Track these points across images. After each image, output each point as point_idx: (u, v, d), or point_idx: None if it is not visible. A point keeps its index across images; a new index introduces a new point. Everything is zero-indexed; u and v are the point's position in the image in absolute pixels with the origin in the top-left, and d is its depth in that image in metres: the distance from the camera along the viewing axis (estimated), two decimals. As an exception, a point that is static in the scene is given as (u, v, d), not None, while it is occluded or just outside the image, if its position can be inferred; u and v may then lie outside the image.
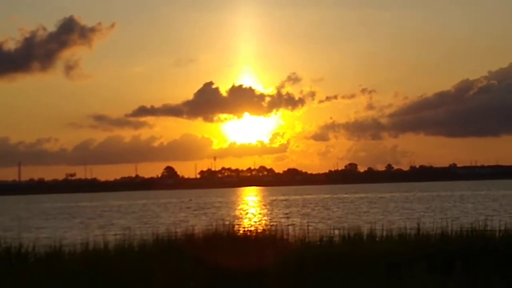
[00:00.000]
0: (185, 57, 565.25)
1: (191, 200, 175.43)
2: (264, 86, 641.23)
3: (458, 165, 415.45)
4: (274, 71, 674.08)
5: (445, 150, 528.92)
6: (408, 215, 74.77)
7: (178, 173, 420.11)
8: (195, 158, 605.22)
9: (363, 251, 24.32)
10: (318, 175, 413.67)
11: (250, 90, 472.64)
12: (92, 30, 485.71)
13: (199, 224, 39.55)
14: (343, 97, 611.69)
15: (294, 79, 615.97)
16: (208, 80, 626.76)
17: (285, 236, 29.54)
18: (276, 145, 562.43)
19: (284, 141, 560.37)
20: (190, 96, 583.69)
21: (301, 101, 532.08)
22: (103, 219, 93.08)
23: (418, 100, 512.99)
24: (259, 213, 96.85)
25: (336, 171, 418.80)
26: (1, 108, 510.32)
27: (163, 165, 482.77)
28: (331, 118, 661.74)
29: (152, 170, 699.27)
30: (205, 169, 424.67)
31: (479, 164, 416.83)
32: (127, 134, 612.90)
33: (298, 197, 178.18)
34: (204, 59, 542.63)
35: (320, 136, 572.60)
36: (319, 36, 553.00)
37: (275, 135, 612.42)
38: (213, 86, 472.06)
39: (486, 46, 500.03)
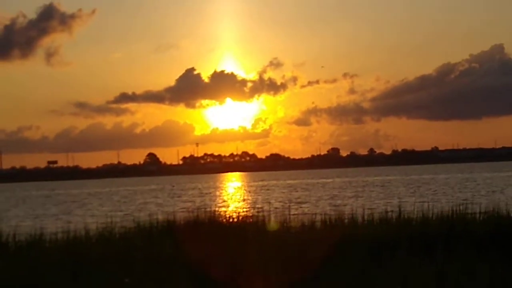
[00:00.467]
0: (166, 43, 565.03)
1: (173, 186, 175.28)
2: (246, 71, 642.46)
3: (440, 148, 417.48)
4: (256, 56, 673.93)
5: (427, 133, 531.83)
6: (390, 199, 75.02)
7: (161, 159, 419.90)
8: (178, 144, 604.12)
9: (345, 235, 24.38)
10: (300, 160, 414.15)
11: (232, 75, 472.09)
12: (72, 16, 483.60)
13: (180, 210, 39.53)
14: (325, 82, 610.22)
15: (276, 64, 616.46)
16: (189, 66, 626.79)
17: (266, 221, 29.58)
18: (258, 130, 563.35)
19: (266, 126, 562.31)
20: (171, 82, 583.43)
21: (283, 86, 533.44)
22: (85, 206, 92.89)
23: (399, 84, 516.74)
24: (241, 199, 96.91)
25: (319, 156, 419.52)
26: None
27: (146, 151, 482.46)
28: (313, 103, 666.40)
29: (135, 156, 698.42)
30: (187, 155, 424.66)
31: (461, 147, 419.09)
32: (108, 121, 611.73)
33: (280, 182, 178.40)
34: (185, 45, 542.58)
35: (302, 121, 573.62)
36: (300, 20, 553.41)
37: (257, 121, 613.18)
38: (195, 72, 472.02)
39: (468, 29, 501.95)
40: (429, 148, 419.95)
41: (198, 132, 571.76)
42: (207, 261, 20.31)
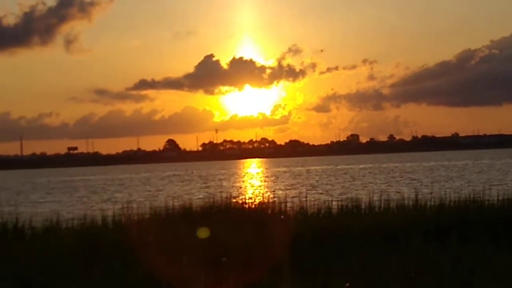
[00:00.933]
0: (185, 29, 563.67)
1: (193, 172, 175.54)
2: (265, 58, 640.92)
3: (461, 135, 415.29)
4: (274, 42, 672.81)
5: (447, 119, 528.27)
6: (409, 186, 74.77)
7: (180, 145, 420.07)
8: (197, 130, 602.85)
9: (361, 222, 24.34)
10: (320, 146, 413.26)
11: (251, 62, 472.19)
12: (92, 4, 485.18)
13: (198, 196, 39.54)
14: (344, 68, 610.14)
15: (294, 50, 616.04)
16: (208, 53, 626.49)
17: (283, 208, 29.57)
18: (277, 117, 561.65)
19: (285, 112, 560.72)
20: (190, 69, 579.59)
21: (302, 73, 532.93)
22: (103, 193, 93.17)
23: (419, 71, 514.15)
24: (259, 185, 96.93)
25: (338, 142, 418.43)
26: (1, 83, 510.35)
27: (165, 138, 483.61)
28: (332, 89, 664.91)
29: (154, 143, 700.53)
30: (206, 141, 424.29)
31: (481, 133, 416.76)
32: (128, 108, 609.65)
33: (299, 168, 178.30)
34: (204, 31, 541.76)
35: (321, 108, 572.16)
36: (319, 7, 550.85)
37: (276, 107, 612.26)
38: (214, 59, 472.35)
39: (488, 15, 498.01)
40: (449, 135, 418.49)
41: (217, 118, 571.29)
42: (221, 246, 20.30)
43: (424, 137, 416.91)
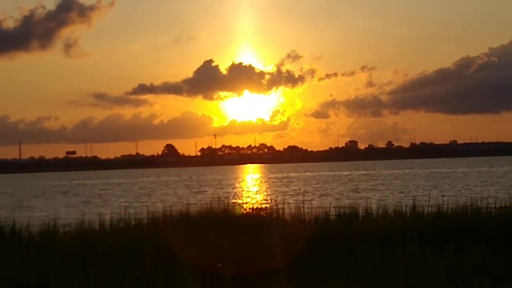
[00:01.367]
0: (184, 34, 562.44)
1: (191, 177, 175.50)
2: (264, 63, 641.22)
3: (459, 142, 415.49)
4: (273, 48, 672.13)
5: (445, 127, 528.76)
6: (407, 192, 74.78)
7: (179, 150, 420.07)
8: (195, 135, 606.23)
9: (358, 229, 24.34)
10: (318, 152, 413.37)
11: (250, 67, 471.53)
12: (91, 8, 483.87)
13: (196, 202, 39.52)
14: (343, 75, 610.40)
15: (293, 56, 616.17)
16: (207, 58, 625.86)
17: (281, 214, 29.55)
18: (276, 122, 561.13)
19: (284, 118, 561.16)
20: (189, 74, 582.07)
21: (301, 79, 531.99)
22: (102, 197, 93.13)
23: (418, 77, 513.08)
24: (257, 191, 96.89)
25: (337, 148, 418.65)
26: (1, 86, 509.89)
27: (164, 143, 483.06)
28: (331, 95, 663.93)
29: (153, 148, 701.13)
30: (205, 146, 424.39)
31: (479, 141, 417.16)
32: (127, 112, 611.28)
33: (298, 174, 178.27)
34: (204, 36, 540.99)
35: (320, 114, 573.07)
36: (319, 13, 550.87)
37: (275, 113, 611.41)
38: (213, 64, 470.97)
39: (487, 22, 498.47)
40: (447, 142, 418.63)
41: (216, 124, 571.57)
42: (219, 251, 20.29)
43: (422, 144, 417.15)
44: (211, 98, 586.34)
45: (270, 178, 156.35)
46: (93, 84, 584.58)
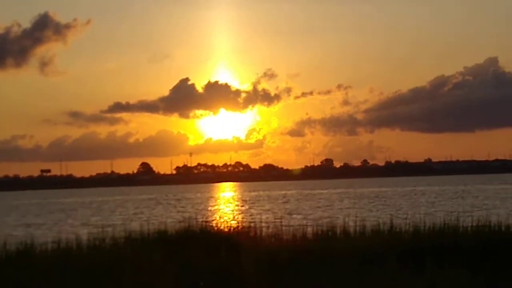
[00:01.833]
0: (160, 52, 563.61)
1: (167, 196, 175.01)
2: (240, 82, 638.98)
3: (434, 160, 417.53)
4: (250, 67, 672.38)
5: (420, 145, 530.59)
6: (383, 211, 74.96)
7: (154, 169, 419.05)
8: (171, 154, 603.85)
9: (336, 247, 24.34)
10: (294, 170, 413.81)
11: (226, 86, 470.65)
12: (67, 26, 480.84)
13: (172, 220, 39.38)
14: (319, 93, 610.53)
15: (270, 75, 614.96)
16: (183, 76, 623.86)
17: (258, 233, 29.50)
18: (252, 141, 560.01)
19: (260, 137, 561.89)
20: (165, 92, 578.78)
21: (277, 97, 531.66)
22: (77, 215, 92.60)
23: (393, 96, 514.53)
24: (234, 209, 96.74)
25: (312, 167, 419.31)
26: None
27: (139, 161, 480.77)
28: (307, 114, 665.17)
29: (128, 166, 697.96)
30: (181, 165, 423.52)
31: (454, 159, 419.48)
32: (102, 130, 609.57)
33: (273, 192, 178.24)
34: (179, 54, 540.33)
35: (296, 132, 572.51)
36: (295, 31, 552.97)
37: (251, 131, 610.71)
38: (189, 82, 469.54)
39: (461, 41, 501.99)
40: (422, 160, 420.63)
41: (191, 142, 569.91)
42: (198, 270, 20.24)
43: (397, 162, 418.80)
44: (187, 117, 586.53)
45: (247, 196, 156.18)
46: (68, 102, 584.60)
